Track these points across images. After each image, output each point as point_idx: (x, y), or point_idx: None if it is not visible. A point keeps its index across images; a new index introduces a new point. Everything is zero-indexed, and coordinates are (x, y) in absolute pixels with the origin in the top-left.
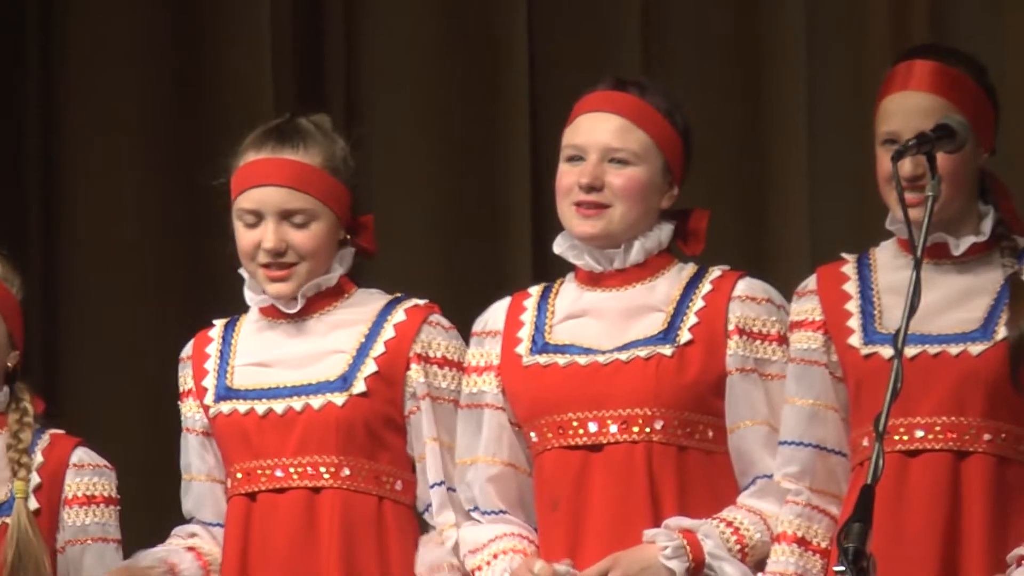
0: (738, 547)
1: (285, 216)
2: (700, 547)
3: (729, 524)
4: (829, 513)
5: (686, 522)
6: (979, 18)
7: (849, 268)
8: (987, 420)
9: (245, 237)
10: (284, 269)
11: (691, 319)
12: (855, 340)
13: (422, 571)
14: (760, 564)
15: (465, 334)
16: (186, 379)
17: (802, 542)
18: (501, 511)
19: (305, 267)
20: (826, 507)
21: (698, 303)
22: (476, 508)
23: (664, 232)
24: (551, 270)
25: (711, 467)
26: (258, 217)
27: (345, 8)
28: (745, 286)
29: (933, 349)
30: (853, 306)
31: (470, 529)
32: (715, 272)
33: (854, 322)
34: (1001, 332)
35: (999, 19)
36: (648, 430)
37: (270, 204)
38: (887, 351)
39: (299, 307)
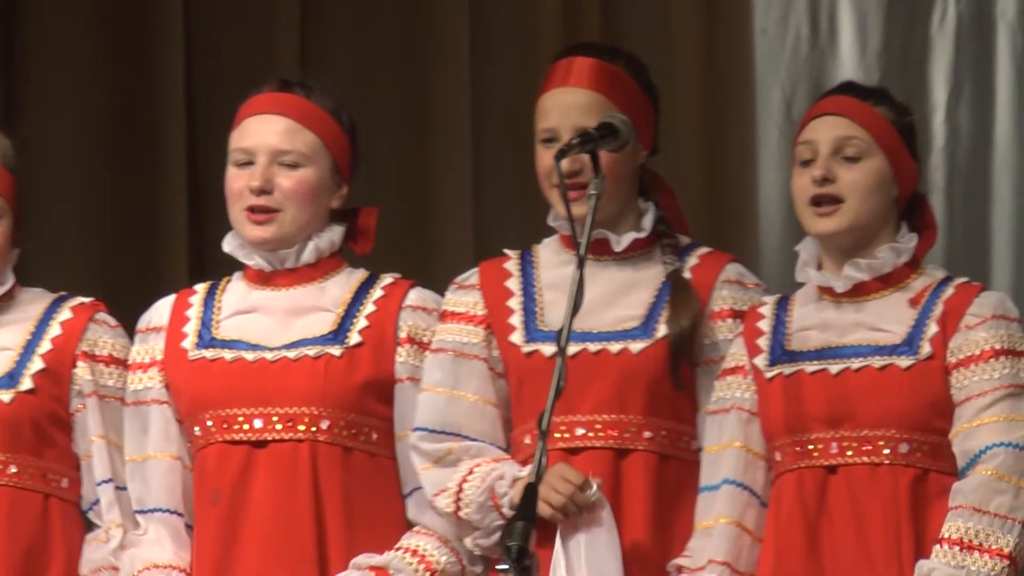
0: (428, 574)
1: None
2: None
3: (415, 553)
4: None
5: (375, 559)
6: (651, 21)
7: (512, 264)
8: (648, 418)
9: None
10: None
11: (361, 322)
12: (517, 337)
13: (85, 571)
14: None
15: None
16: None
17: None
18: (169, 510)
19: None
20: None
21: (369, 307)
22: (144, 509)
23: (335, 233)
24: (210, 270)
25: (375, 469)
26: None
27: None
28: (416, 296)
29: (594, 347)
30: (515, 303)
31: (129, 552)
32: (387, 279)
33: (516, 319)
34: (662, 330)
35: (670, 21)
36: (314, 429)
37: None
38: (548, 348)
39: None
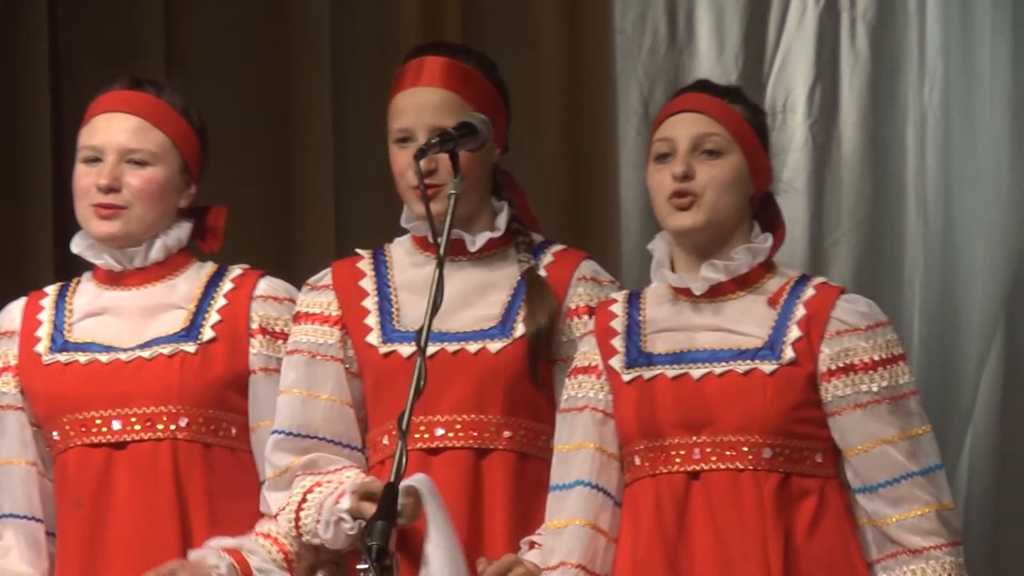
0: (281, 556)
1: None
2: (247, 564)
3: (267, 536)
4: None
5: (228, 541)
6: (512, 22)
7: (365, 264)
8: (507, 417)
9: None
10: None
11: (213, 317)
12: (373, 338)
13: None
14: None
15: None
16: None
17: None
18: (26, 516)
19: None
20: None
21: (220, 301)
22: (0, 515)
23: (183, 230)
24: (74, 272)
25: (236, 464)
26: None
27: None
28: (266, 285)
29: (452, 347)
30: (370, 303)
31: None
32: (235, 271)
33: (372, 320)
34: (519, 328)
35: (531, 22)
36: (173, 427)
37: None
38: (406, 349)
39: None
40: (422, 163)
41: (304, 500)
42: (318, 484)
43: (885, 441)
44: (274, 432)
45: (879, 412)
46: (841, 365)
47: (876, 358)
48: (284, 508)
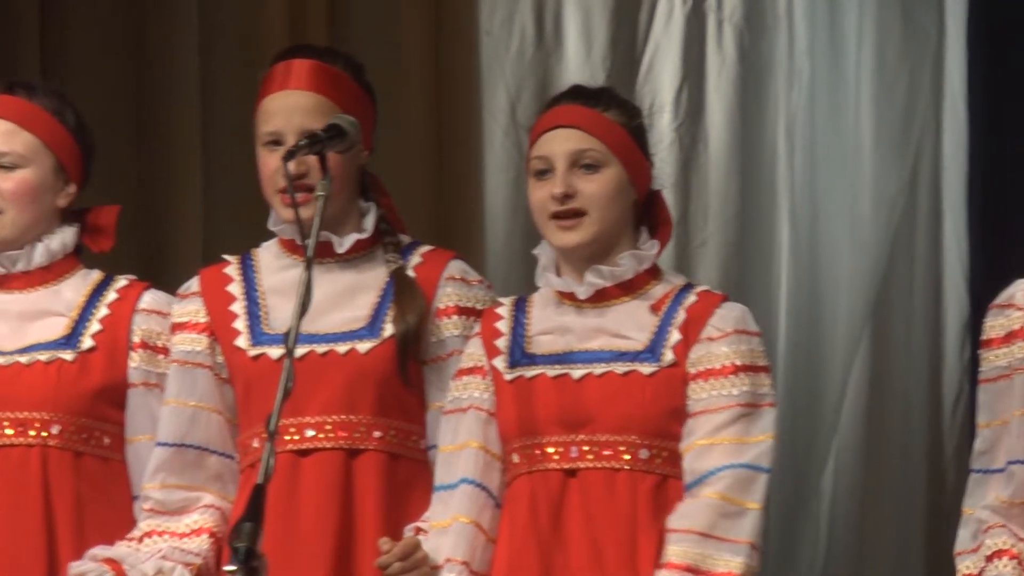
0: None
1: None
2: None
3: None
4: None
5: (109, 551)
6: (377, 24)
7: (232, 270)
8: (377, 417)
9: None
10: None
11: (94, 326)
12: (242, 342)
13: None
14: None
15: None
16: None
17: None
18: None
19: None
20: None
21: (102, 311)
22: None
23: (67, 234)
24: None
25: (107, 473)
26: None
27: None
28: (150, 299)
29: (321, 348)
30: (239, 308)
31: None
32: (121, 281)
33: (240, 324)
34: (388, 329)
35: (396, 24)
36: (44, 434)
37: None
38: (275, 351)
39: None
40: (292, 166)
41: (142, 540)
42: (154, 533)
43: (722, 441)
44: (156, 444)
45: (722, 417)
46: (702, 369)
47: (736, 364)
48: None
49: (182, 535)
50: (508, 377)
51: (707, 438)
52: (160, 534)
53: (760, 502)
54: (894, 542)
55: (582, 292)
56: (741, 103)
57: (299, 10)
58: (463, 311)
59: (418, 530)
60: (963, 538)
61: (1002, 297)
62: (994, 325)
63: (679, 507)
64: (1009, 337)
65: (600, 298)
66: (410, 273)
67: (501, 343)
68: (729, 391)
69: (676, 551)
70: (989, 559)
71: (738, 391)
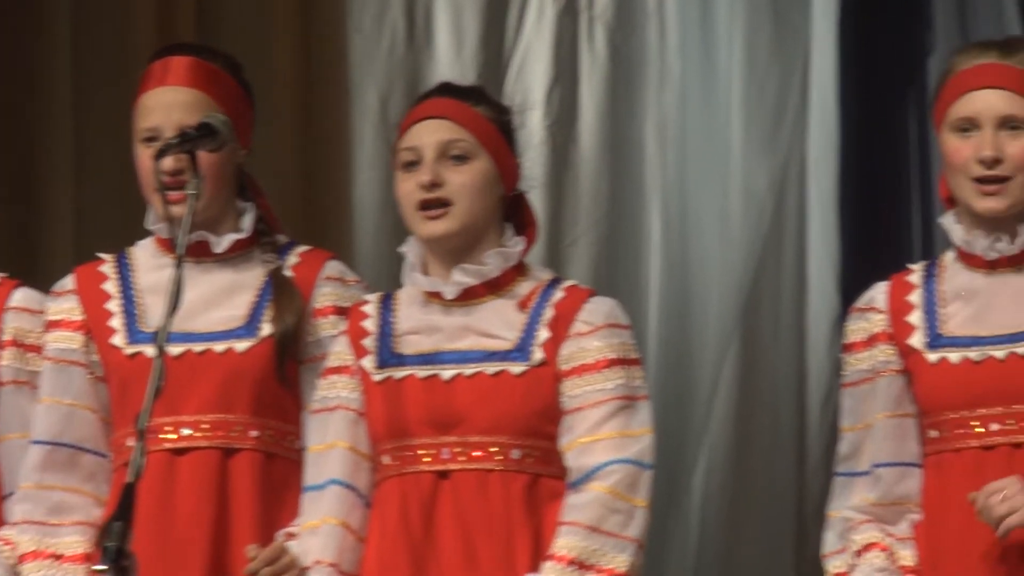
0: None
1: None
2: None
3: (7, 542)
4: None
5: None
6: (246, 21)
7: (108, 268)
8: (254, 417)
9: None
10: None
11: None
12: (118, 340)
13: None
14: None
15: None
16: None
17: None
18: None
19: None
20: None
21: None
22: None
23: None
24: None
25: None
26: None
27: None
28: (21, 297)
29: (198, 347)
30: (115, 306)
31: None
32: None
33: (116, 322)
34: (266, 328)
35: (265, 21)
36: None
37: None
38: (151, 350)
39: None
40: (169, 163)
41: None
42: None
43: (605, 437)
44: (31, 442)
45: (601, 411)
46: (575, 365)
47: (609, 357)
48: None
49: (61, 558)
50: (377, 378)
51: (589, 435)
52: (38, 556)
53: (646, 500)
54: (764, 542)
55: (449, 292)
56: (612, 102)
57: (168, 8)
58: (340, 311)
59: (289, 535)
60: (830, 540)
61: (863, 300)
62: (856, 329)
63: (568, 500)
64: (871, 340)
65: (467, 297)
66: (287, 273)
67: (369, 342)
68: (604, 385)
69: (564, 544)
70: (859, 553)
71: (612, 385)
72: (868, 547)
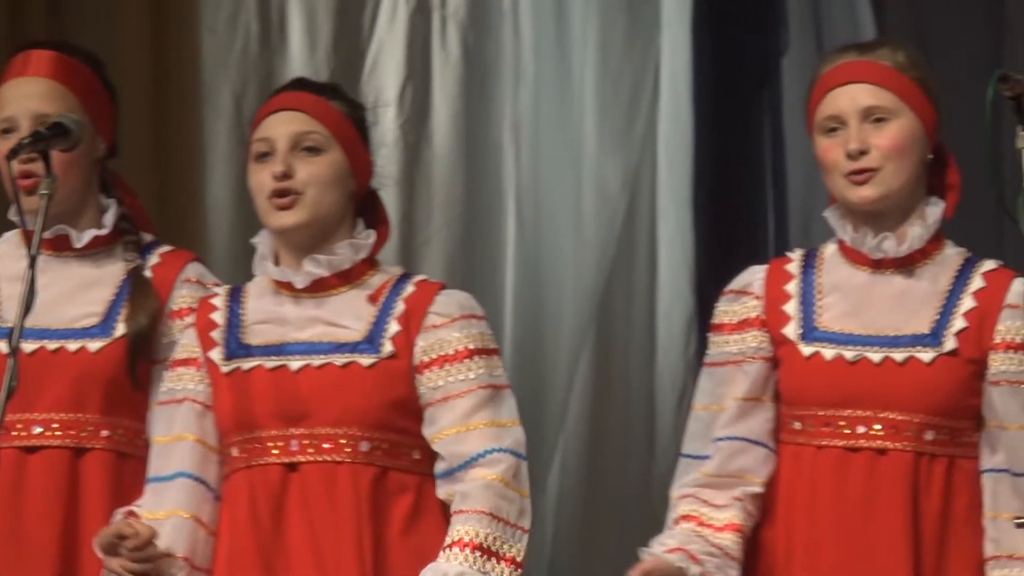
0: None
1: None
2: None
3: None
4: None
5: None
6: (98, 20)
7: None
8: (106, 416)
9: None
10: None
11: None
12: None
13: None
14: None
15: None
16: None
17: None
18: None
19: None
20: None
21: None
22: None
23: None
24: None
25: None
26: None
27: None
28: None
29: (52, 345)
30: None
31: None
32: None
33: None
34: (120, 328)
35: (117, 20)
36: None
37: None
38: (4, 346)
39: None
40: (22, 162)
41: None
42: None
43: (478, 426)
44: None
45: (469, 401)
46: (435, 356)
47: (470, 348)
48: None
49: None
50: (225, 369)
51: (461, 423)
52: None
53: (528, 491)
54: (618, 541)
55: (300, 281)
56: (466, 101)
57: (19, 4)
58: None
59: (131, 514)
60: (668, 522)
61: (737, 283)
62: (727, 311)
63: (460, 488)
64: (743, 324)
65: (318, 288)
66: (147, 273)
67: (217, 334)
68: (466, 375)
69: (467, 530)
70: (673, 526)
71: (475, 375)
72: (679, 520)
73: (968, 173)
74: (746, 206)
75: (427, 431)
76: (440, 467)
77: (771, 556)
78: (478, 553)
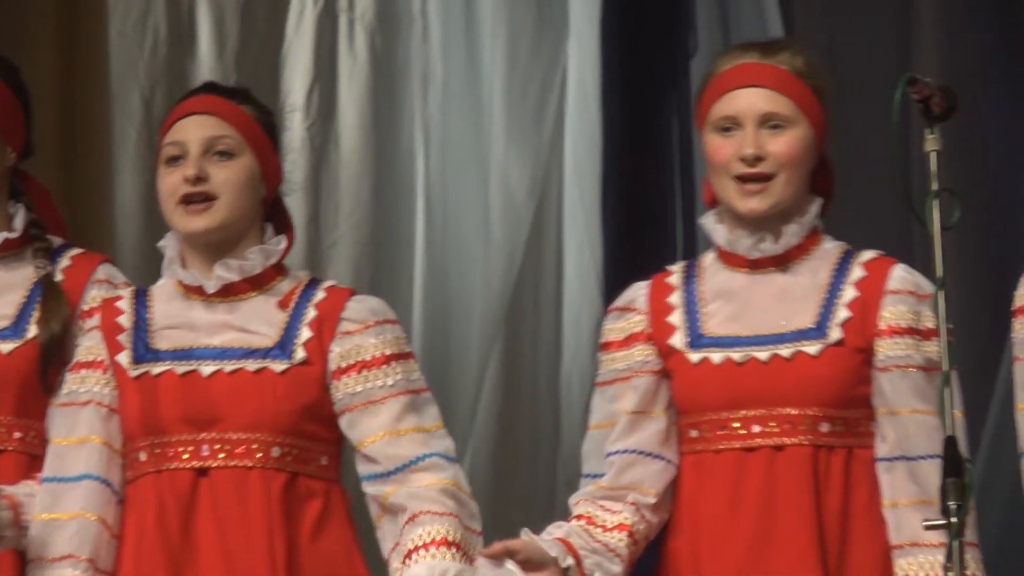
0: None
1: None
2: None
3: None
4: None
5: None
6: (4, 21)
7: None
8: (19, 418)
9: None
10: None
11: None
12: None
13: None
14: None
15: None
16: None
17: None
18: None
19: None
20: None
21: None
22: None
23: None
24: None
25: None
26: None
27: None
28: None
29: None
30: None
31: None
32: None
33: None
34: (32, 330)
35: (25, 22)
36: None
37: None
38: None
39: None
40: None
41: None
42: None
43: (408, 431)
44: None
45: (392, 407)
46: (352, 362)
47: (387, 353)
48: None
49: None
50: (133, 374)
51: (389, 428)
52: None
53: (467, 485)
54: None
55: (211, 286)
56: (374, 103)
57: None
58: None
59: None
60: None
61: (621, 300)
62: (613, 328)
63: (416, 491)
64: (629, 340)
65: (228, 293)
66: (58, 276)
67: (124, 338)
68: (384, 381)
69: (437, 529)
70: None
71: (392, 380)
72: (571, 520)
73: (877, 175)
74: (654, 209)
75: (352, 435)
76: (372, 469)
77: (677, 566)
78: (454, 549)
